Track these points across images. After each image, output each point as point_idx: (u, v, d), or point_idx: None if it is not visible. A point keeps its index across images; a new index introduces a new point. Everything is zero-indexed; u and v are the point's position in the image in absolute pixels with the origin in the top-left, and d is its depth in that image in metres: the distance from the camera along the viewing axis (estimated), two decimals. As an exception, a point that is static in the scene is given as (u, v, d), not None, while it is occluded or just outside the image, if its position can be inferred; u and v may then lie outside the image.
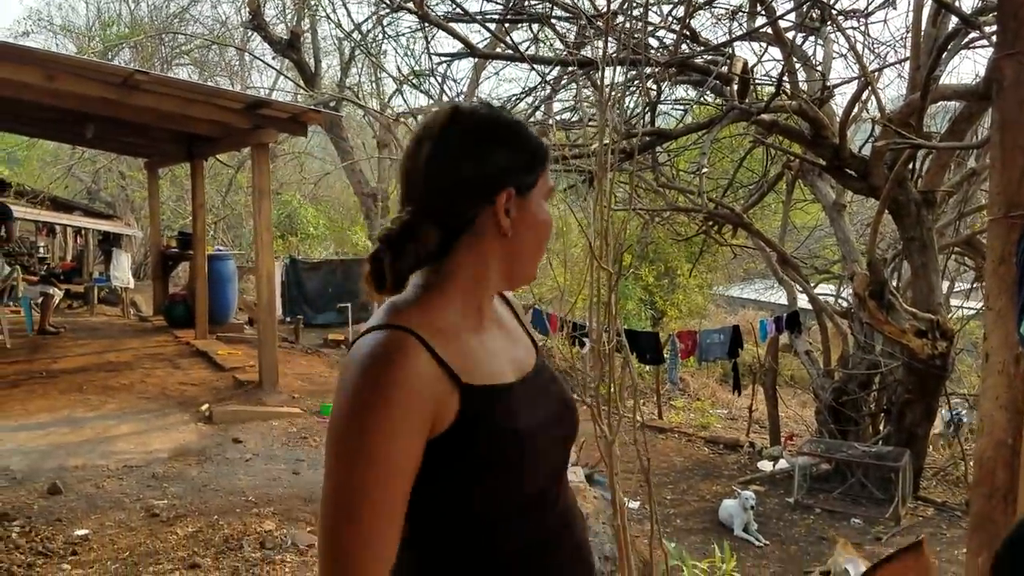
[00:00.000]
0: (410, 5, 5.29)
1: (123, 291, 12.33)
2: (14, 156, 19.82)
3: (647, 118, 5.84)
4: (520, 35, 8.25)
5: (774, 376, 9.50)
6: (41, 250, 16.87)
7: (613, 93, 4.79)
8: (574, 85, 6.43)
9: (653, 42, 5.79)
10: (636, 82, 5.43)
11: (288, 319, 12.17)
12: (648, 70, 5.03)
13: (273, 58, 16.32)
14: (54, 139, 13.34)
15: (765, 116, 5.41)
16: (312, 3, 14.00)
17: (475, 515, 1.08)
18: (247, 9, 13.67)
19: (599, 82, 5.14)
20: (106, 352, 8.36)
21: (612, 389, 2.94)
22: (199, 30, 17.73)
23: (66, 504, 4.46)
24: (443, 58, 6.05)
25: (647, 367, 10.55)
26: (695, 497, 7.25)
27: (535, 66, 5.56)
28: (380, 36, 10.90)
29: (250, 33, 16.04)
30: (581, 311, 5.75)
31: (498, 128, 1.10)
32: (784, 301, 10.48)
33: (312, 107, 8.04)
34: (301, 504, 4.68)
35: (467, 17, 5.59)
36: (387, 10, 7.04)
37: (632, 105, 5.96)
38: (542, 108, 6.62)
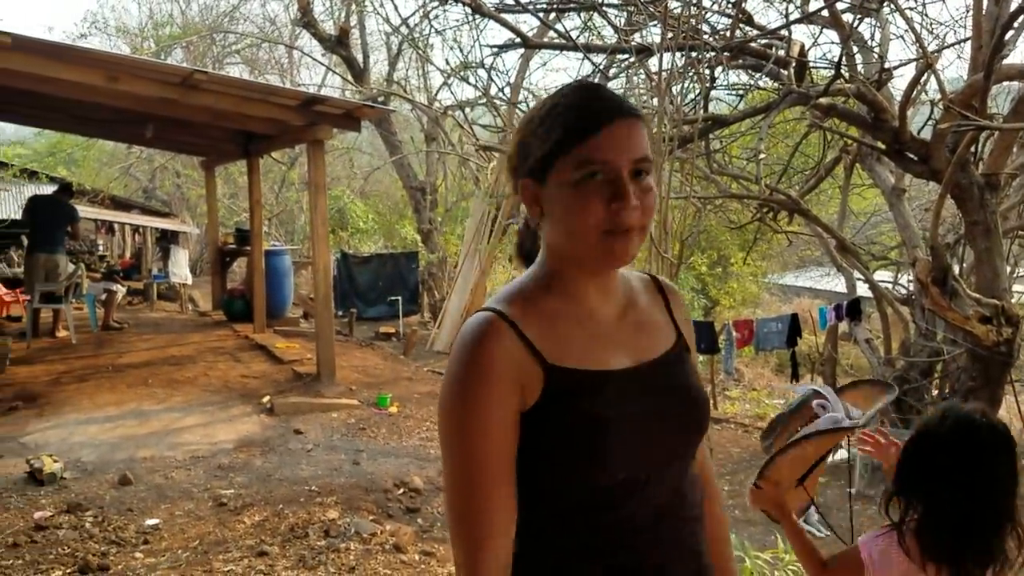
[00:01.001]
0: (462, -3, 5.29)
1: (181, 287, 12.63)
2: (73, 157, 20.43)
3: (701, 104, 5.76)
4: (569, 23, 8.20)
5: (833, 365, 9.32)
6: (101, 248, 17.40)
7: (668, 79, 4.74)
8: (625, 73, 6.38)
9: (707, 27, 5.70)
10: (690, 68, 5.35)
11: (340, 313, 12.33)
12: (702, 55, 4.95)
13: (322, 55, 16.53)
14: (114, 139, 13.70)
15: (823, 100, 5.29)
16: (360, -1, 14.11)
17: (552, 497, 1.10)
18: (297, 7, 13.84)
19: (653, 69, 5.09)
20: (169, 347, 8.57)
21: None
22: (249, 28, 18.03)
23: (136, 494, 4.59)
24: (493, 49, 6.02)
25: (701, 357, 10.44)
26: (753, 488, 7.15)
27: (587, 55, 5.52)
28: (427, 30, 10.92)
29: (299, 30, 16.26)
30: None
31: (532, 119, 1.11)
32: (841, 288, 10.27)
33: (365, 102, 8.11)
34: (362, 493, 4.74)
35: (518, 7, 5.57)
36: (436, 3, 7.06)
37: (686, 91, 5.89)
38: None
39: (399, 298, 13.22)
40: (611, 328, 1.15)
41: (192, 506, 4.45)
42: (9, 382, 6.72)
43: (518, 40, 5.77)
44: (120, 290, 9.97)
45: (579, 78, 6.83)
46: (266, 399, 6.53)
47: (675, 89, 5.28)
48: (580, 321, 1.13)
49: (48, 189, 11.06)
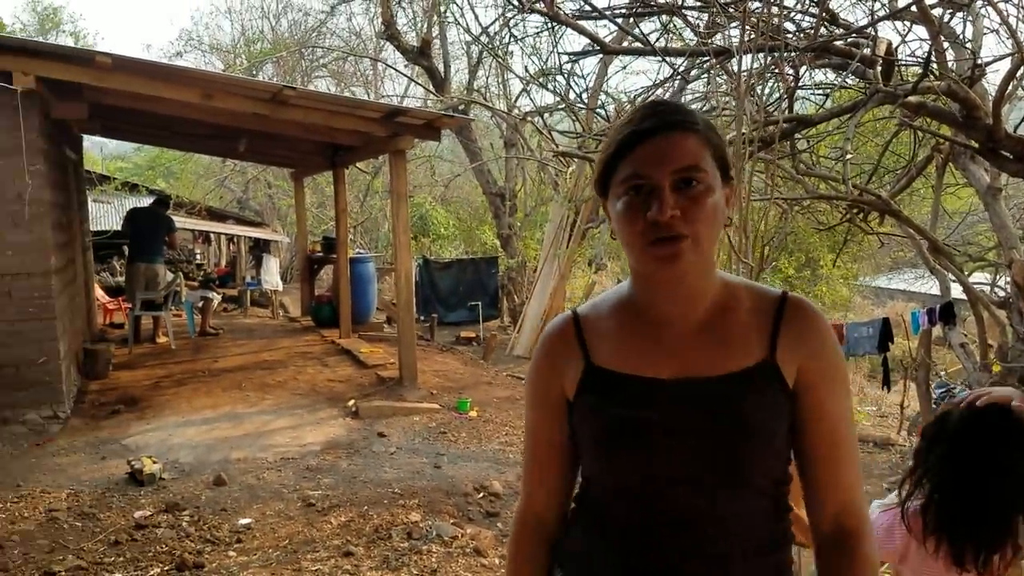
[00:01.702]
0: (540, 6, 5.32)
1: (273, 293, 13.10)
2: (171, 170, 21.43)
3: (784, 105, 5.63)
4: (648, 26, 8.14)
5: (927, 371, 8.94)
6: (198, 257, 18.20)
7: (749, 81, 4.66)
8: (706, 75, 6.29)
9: (790, 26, 5.57)
10: (773, 68, 5.24)
11: (422, 317, 12.54)
12: (785, 56, 4.84)
13: (405, 66, 16.86)
14: (210, 153, 14.31)
15: (912, 98, 5.10)
16: (442, 9, 14.34)
17: (589, 485, 1.25)
18: (380, 20, 14.18)
19: (734, 70, 5.01)
20: (261, 351, 8.90)
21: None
22: (335, 43, 18.55)
23: (230, 494, 4.78)
24: (570, 56, 6.04)
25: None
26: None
27: (665, 58, 5.47)
28: (507, 38, 11.02)
29: (383, 42, 16.64)
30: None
31: (607, 135, 1.21)
32: (935, 291, 9.84)
33: (445, 112, 8.24)
34: (443, 497, 4.82)
35: (595, 13, 5.57)
36: (515, 12, 7.11)
37: (769, 92, 5.77)
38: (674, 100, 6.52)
39: (479, 303, 13.37)
40: (675, 338, 1.16)
41: (282, 506, 4.61)
42: (112, 386, 7.11)
43: (595, 47, 5.77)
44: (216, 297, 10.43)
45: (656, 81, 6.78)
46: (351, 403, 6.71)
47: (757, 90, 5.19)
48: (640, 327, 1.19)
49: (147, 201, 11.63)
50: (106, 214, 14.63)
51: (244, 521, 4.38)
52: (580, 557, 1.23)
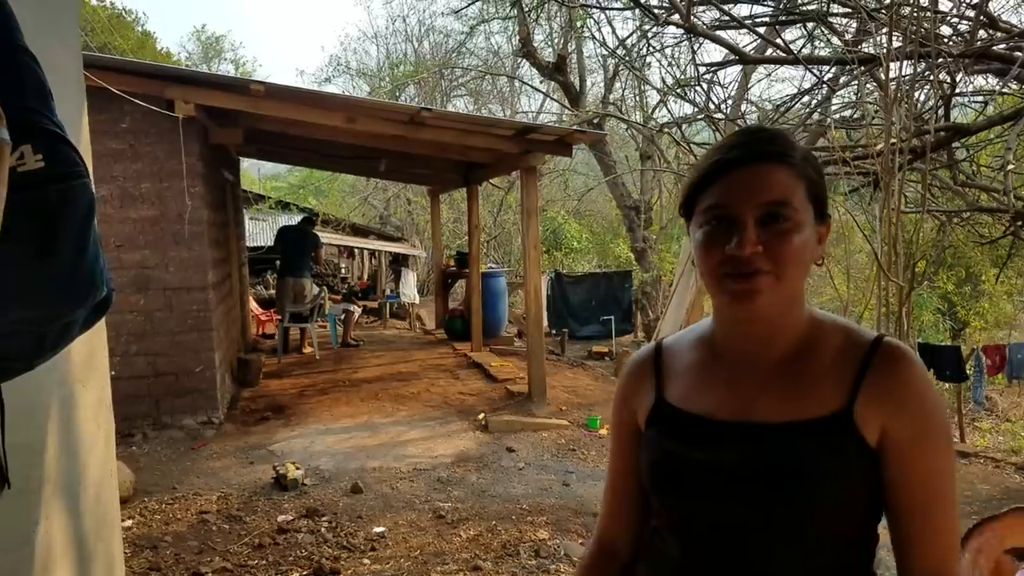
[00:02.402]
0: (676, 19, 5.24)
1: (410, 306, 13.53)
2: (320, 189, 22.61)
3: (940, 112, 5.27)
4: (792, 33, 7.85)
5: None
6: (343, 271, 19.04)
7: (902, 88, 4.39)
8: (854, 83, 5.99)
9: (946, 30, 5.22)
10: (927, 75, 4.92)
11: (554, 332, 12.56)
12: (940, 61, 4.53)
13: (540, 82, 17.05)
14: (353, 173, 15.02)
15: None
16: (578, 25, 14.41)
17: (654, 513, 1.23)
18: (518, 38, 14.43)
19: (883, 78, 4.73)
20: (397, 363, 9.19)
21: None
22: (474, 62, 19.02)
23: (366, 503, 4.95)
24: (709, 68, 5.90)
25: (947, 385, 9.47)
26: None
27: (808, 67, 5.24)
28: (644, 50, 10.92)
29: (519, 60, 16.90)
30: (869, 324, 5.29)
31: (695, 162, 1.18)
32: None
33: (576, 127, 8.25)
34: (572, 515, 4.79)
35: (735, 23, 5.43)
36: (652, 25, 7.03)
37: (923, 100, 5.41)
38: (818, 110, 6.24)
39: (612, 317, 13.23)
40: (747, 378, 1.11)
41: (414, 516, 4.73)
42: (262, 394, 7.54)
43: (734, 57, 5.61)
44: (356, 311, 10.88)
45: (801, 89, 6.51)
46: (481, 416, 6.80)
47: (910, 98, 4.88)
48: (714, 365, 1.16)
49: (297, 219, 12.31)
50: (262, 231, 15.62)
51: (378, 529, 4.51)
52: None
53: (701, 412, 1.13)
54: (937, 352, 8.15)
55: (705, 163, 1.08)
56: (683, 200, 1.13)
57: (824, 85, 5.72)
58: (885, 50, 3.65)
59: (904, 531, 1.06)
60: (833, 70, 5.58)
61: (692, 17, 4.87)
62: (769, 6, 5.51)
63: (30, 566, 1.57)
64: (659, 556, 1.18)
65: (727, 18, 5.59)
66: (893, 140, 4.28)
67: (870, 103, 5.60)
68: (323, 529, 4.49)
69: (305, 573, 3.95)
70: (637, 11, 7.88)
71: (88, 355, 1.87)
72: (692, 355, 1.19)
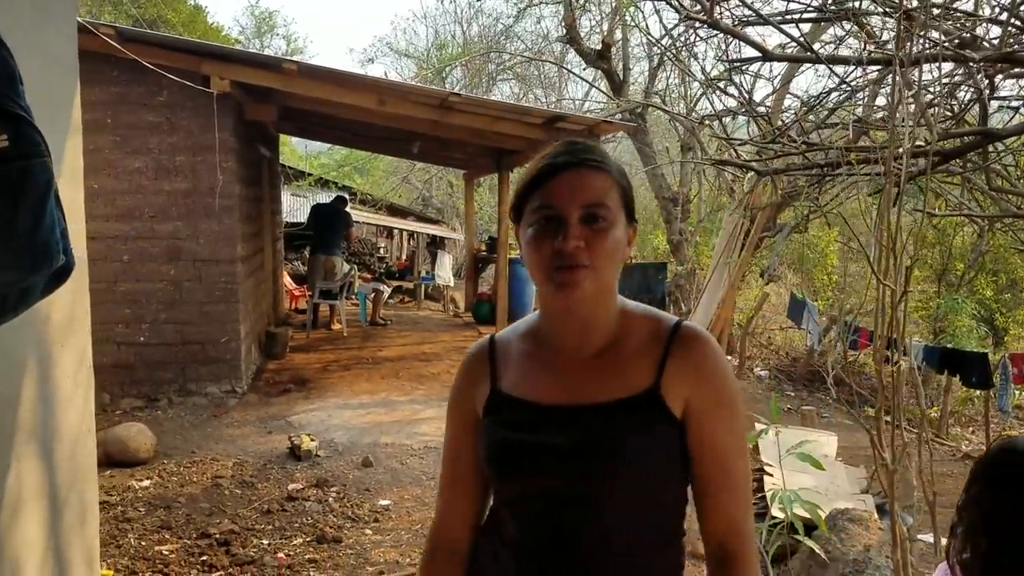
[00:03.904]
0: (699, 14, 5.23)
1: (445, 288, 13.68)
2: (363, 167, 22.83)
3: (975, 114, 5.19)
4: (830, 33, 7.74)
5: None
6: (381, 250, 19.27)
7: (931, 89, 4.34)
8: (882, 81, 5.92)
9: (980, 30, 5.12)
10: (956, 77, 4.85)
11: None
12: (969, 67, 4.46)
13: (584, 69, 16.97)
14: (387, 153, 15.19)
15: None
16: (624, 12, 14.30)
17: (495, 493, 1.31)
18: (563, 23, 14.38)
19: (904, 81, 4.67)
20: (422, 343, 9.34)
21: (895, 415, 2.72)
22: (522, 47, 18.98)
23: (375, 476, 5.09)
24: (733, 64, 5.88)
25: (978, 392, 9.31)
26: None
27: (830, 66, 5.20)
28: (690, 39, 10.83)
29: (567, 47, 16.82)
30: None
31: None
32: None
33: (605, 118, 8.27)
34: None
35: (761, 20, 5.40)
36: (684, 16, 7.00)
37: (957, 103, 5.33)
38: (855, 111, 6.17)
39: (645, 308, 13.19)
40: (569, 366, 1.22)
41: (420, 492, 4.86)
42: (287, 367, 7.75)
43: (760, 55, 5.58)
44: (386, 291, 11.05)
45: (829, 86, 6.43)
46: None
47: (934, 101, 4.82)
48: (540, 355, 1.26)
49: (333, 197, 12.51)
50: (302, 207, 15.86)
51: (384, 502, 4.65)
52: (483, 571, 1.30)
53: (530, 398, 1.23)
54: (963, 358, 8.01)
55: (535, 168, 1.18)
56: (514, 203, 1.22)
57: (846, 86, 5.65)
58: (905, 52, 3.62)
59: (702, 497, 1.20)
60: (858, 70, 5.52)
61: (717, 14, 4.86)
62: (801, 3, 5.46)
63: (-2, 506, 1.71)
64: (498, 534, 1.27)
65: (753, 15, 5.55)
66: (900, 146, 4.24)
67: (882, 107, 5.53)
68: (331, 499, 4.64)
69: (308, 539, 4.10)
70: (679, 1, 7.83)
71: (68, 319, 2.03)
72: (521, 346, 1.29)
